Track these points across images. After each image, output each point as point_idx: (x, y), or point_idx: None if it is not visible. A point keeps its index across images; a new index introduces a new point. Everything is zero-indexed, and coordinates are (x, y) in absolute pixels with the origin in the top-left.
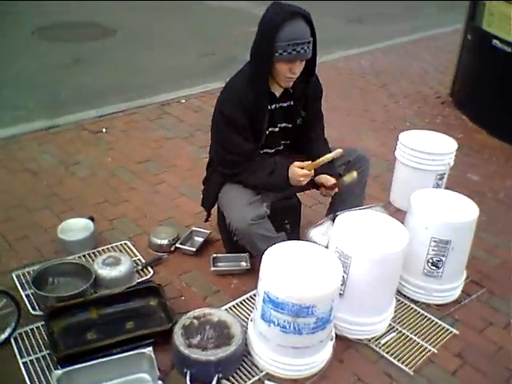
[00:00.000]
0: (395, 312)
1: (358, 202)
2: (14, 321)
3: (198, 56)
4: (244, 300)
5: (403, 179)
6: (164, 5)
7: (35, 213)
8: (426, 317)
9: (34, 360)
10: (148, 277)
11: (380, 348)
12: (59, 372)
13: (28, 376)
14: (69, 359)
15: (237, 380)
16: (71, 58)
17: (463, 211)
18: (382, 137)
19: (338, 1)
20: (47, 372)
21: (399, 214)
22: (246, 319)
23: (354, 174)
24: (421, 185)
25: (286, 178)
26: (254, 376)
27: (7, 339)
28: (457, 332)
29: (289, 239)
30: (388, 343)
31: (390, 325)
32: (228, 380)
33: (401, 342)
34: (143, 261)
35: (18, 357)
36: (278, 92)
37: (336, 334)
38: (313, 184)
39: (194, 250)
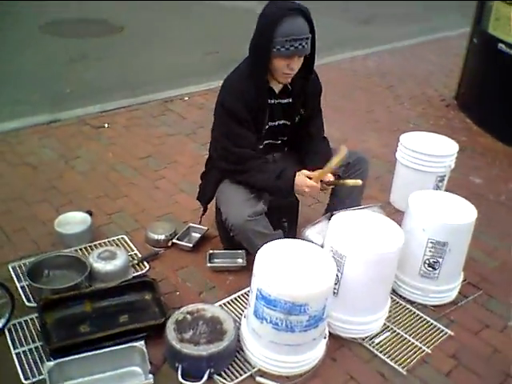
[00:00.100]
0: (390, 312)
1: (356, 202)
2: (7, 312)
3: (202, 54)
4: (239, 296)
5: (403, 180)
6: (173, 4)
7: (34, 206)
8: (421, 317)
9: (27, 351)
10: (144, 271)
11: (374, 347)
12: (51, 363)
13: (20, 367)
14: (61, 351)
15: (228, 376)
16: (77, 53)
17: (461, 213)
18: (385, 138)
19: (348, 1)
20: (39, 363)
21: (399, 215)
22: (240, 315)
23: (359, 182)
24: (421, 186)
25: (291, 185)
26: (245, 372)
27: (1, 330)
28: (452, 333)
29: (286, 237)
30: (382, 343)
31: (384, 324)
32: (220, 375)
33: (395, 341)
34: (139, 255)
35: (11, 347)
36: (276, 88)
37: (330, 333)
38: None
39: (191, 245)
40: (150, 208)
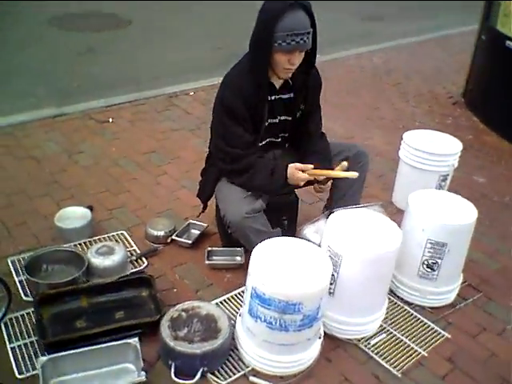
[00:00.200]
0: (387, 313)
1: (356, 200)
2: (4, 306)
3: (209, 50)
4: (235, 295)
5: (406, 179)
6: None
7: (36, 200)
8: (418, 319)
9: (22, 345)
10: (142, 268)
11: (369, 349)
12: (44, 358)
13: (15, 361)
14: (55, 346)
15: (222, 374)
16: (84, 47)
17: (461, 214)
18: (390, 135)
19: None
20: (34, 358)
21: (400, 215)
22: (236, 314)
23: (355, 174)
24: (423, 185)
25: (284, 178)
26: (239, 371)
27: None
28: (449, 336)
29: (285, 235)
30: (378, 344)
31: (381, 326)
32: (213, 374)
33: (391, 343)
34: (138, 251)
35: (7, 342)
36: (277, 83)
37: (325, 333)
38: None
39: (190, 242)
40: (151, 204)
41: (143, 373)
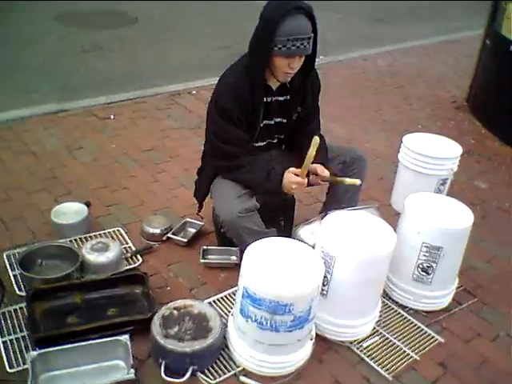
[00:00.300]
0: (381, 316)
1: (353, 202)
2: None
3: (215, 48)
4: (229, 294)
5: (404, 182)
6: None
7: (33, 195)
8: (412, 323)
9: (14, 340)
10: (136, 265)
11: (361, 351)
12: (34, 353)
13: (6, 355)
14: (46, 341)
15: (212, 374)
16: (89, 44)
17: (458, 218)
18: (391, 138)
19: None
20: (25, 352)
21: (398, 218)
22: (228, 313)
23: (358, 182)
24: (422, 189)
25: (279, 184)
26: (229, 371)
27: None
28: (442, 340)
29: (281, 236)
30: (370, 347)
31: (374, 328)
32: (203, 373)
33: (383, 346)
34: (133, 248)
35: None
36: (274, 85)
37: (317, 334)
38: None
39: (185, 240)
40: (149, 201)
41: (132, 370)
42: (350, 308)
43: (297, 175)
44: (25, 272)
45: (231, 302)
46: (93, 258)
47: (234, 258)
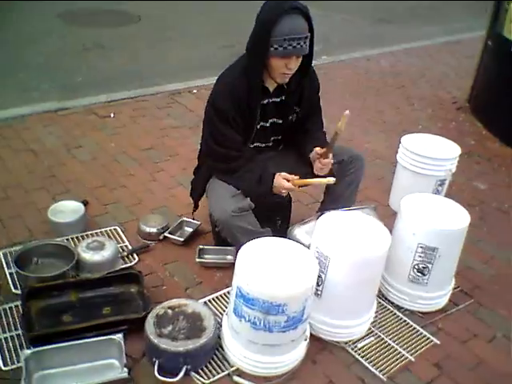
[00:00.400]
0: (376, 316)
1: (350, 202)
2: None
3: (216, 48)
4: (224, 294)
5: (402, 183)
6: None
7: (32, 193)
8: (407, 323)
9: (9, 338)
10: (132, 264)
11: (356, 352)
12: (28, 352)
13: (0, 353)
14: (40, 340)
15: (205, 373)
16: (91, 42)
17: (454, 219)
18: (391, 139)
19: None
20: (20, 350)
21: (395, 218)
22: (223, 313)
23: (332, 180)
24: (420, 190)
25: (270, 188)
26: (223, 371)
27: None
28: (438, 341)
29: (277, 235)
30: (365, 347)
31: (369, 329)
32: (197, 372)
33: (378, 347)
34: (130, 247)
35: None
36: (271, 87)
37: (312, 335)
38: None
39: (182, 240)
40: (147, 200)
41: (125, 369)
42: (344, 308)
43: (287, 180)
44: (20, 270)
45: (227, 301)
46: (88, 256)
47: (230, 257)
